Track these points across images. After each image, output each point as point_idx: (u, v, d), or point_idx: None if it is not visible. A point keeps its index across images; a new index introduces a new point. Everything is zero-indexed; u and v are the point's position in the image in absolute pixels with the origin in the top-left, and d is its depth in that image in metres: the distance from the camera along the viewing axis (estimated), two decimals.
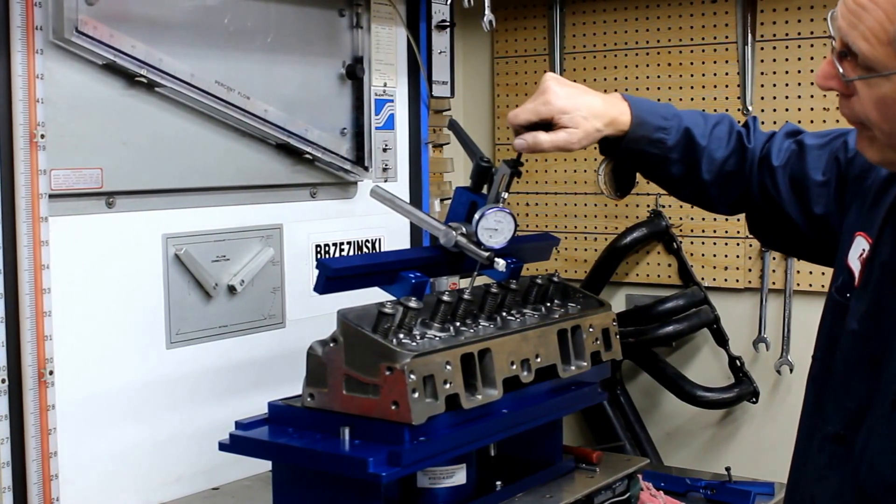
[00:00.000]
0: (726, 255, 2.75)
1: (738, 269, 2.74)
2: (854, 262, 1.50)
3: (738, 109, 2.70)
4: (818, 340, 1.60)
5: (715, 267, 2.77)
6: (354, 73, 2.35)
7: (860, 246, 1.49)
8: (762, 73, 2.68)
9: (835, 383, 1.49)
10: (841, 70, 1.33)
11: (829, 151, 1.65)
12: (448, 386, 1.63)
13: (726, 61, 2.72)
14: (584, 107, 1.74)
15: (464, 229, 1.86)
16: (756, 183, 1.74)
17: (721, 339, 2.77)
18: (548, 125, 1.77)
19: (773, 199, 1.71)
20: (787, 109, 2.65)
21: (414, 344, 1.67)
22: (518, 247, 1.93)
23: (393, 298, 1.76)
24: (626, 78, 2.85)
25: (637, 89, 2.82)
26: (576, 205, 2.95)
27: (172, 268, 2.03)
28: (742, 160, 1.74)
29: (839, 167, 1.63)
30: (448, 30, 2.63)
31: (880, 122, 1.32)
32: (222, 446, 1.74)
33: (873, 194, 1.52)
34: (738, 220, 1.87)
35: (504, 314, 1.88)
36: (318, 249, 2.34)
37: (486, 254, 1.83)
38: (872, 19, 1.26)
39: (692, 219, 2.78)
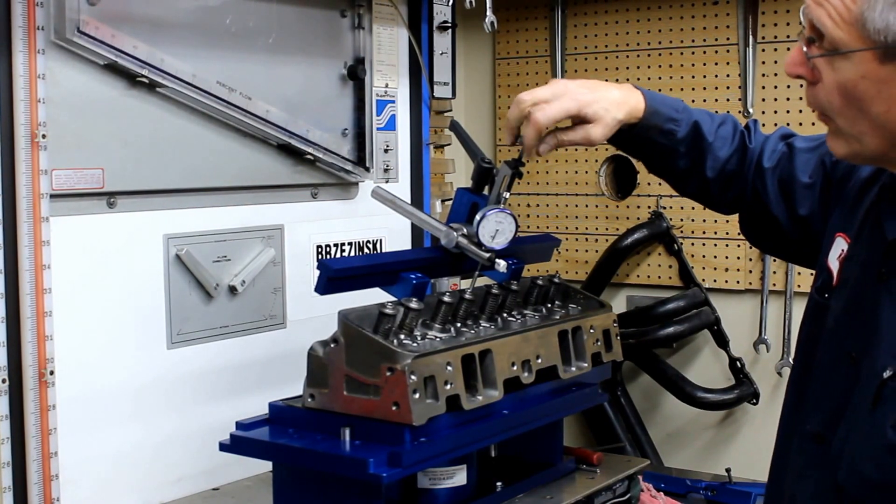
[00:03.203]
0: (727, 257, 2.75)
1: (738, 270, 2.74)
2: (833, 262, 1.52)
3: (739, 111, 2.70)
4: (798, 342, 1.61)
5: (716, 268, 2.77)
6: (356, 74, 2.35)
7: (839, 246, 1.52)
8: (763, 75, 2.68)
9: (814, 383, 1.50)
10: (805, 49, 1.36)
11: (817, 155, 1.68)
12: (449, 387, 1.63)
13: (727, 63, 2.72)
14: (604, 98, 1.75)
15: (465, 230, 1.86)
16: (749, 183, 1.76)
17: (722, 341, 2.77)
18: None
19: (761, 200, 1.74)
20: (787, 111, 2.65)
21: (415, 345, 1.67)
22: (519, 248, 1.92)
23: (394, 299, 1.76)
24: (628, 79, 2.84)
25: None
26: (577, 206, 2.95)
27: (173, 268, 2.03)
28: (743, 160, 1.77)
29: (825, 170, 1.66)
30: (449, 31, 2.63)
31: (842, 107, 1.34)
32: (223, 447, 1.74)
33: (853, 197, 1.56)
34: None
35: (505, 315, 1.88)
36: (319, 250, 2.34)
37: (487, 255, 1.83)
38: None
39: (693, 220, 2.78)
